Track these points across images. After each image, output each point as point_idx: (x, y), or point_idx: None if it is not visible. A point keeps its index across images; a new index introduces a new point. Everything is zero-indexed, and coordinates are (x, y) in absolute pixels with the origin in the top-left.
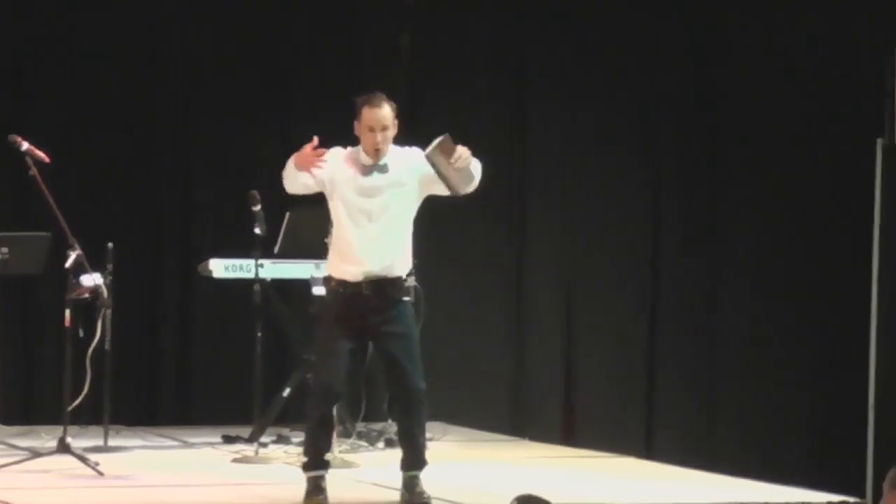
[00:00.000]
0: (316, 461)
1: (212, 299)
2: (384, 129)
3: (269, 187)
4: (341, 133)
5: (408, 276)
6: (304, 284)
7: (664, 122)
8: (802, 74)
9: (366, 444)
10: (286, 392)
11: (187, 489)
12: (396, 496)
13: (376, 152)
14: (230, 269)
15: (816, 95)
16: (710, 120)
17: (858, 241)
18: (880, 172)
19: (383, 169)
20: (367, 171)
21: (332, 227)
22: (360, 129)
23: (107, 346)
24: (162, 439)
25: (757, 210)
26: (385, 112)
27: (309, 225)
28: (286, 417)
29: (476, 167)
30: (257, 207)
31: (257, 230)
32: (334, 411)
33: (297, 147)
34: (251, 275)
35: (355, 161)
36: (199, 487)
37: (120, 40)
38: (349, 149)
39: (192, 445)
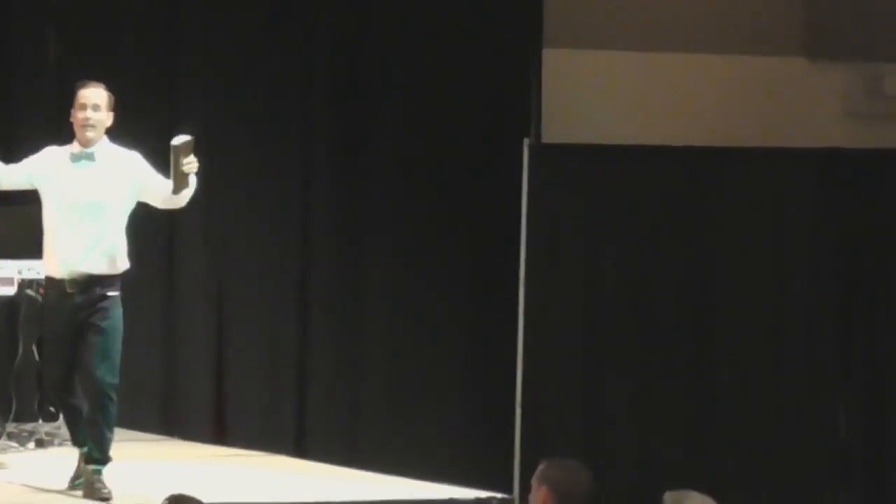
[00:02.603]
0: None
1: None
2: (95, 106)
3: None
4: None
5: (117, 276)
6: None
7: (314, 120)
8: (449, 75)
9: (16, 444)
10: None
11: None
12: (45, 496)
13: (85, 129)
14: None
15: (463, 96)
16: (359, 119)
17: (506, 240)
18: (527, 172)
19: (91, 157)
20: (76, 159)
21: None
22: (74, 113)
23: None
24: None
25: (405, 211)
26: (96, 91)
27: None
28: None
29: (193, 186)
30: None
31: None
32: None
33: None
34: None
35: (66, 153)
36: None
37: None
38: (62, 147)
39: None
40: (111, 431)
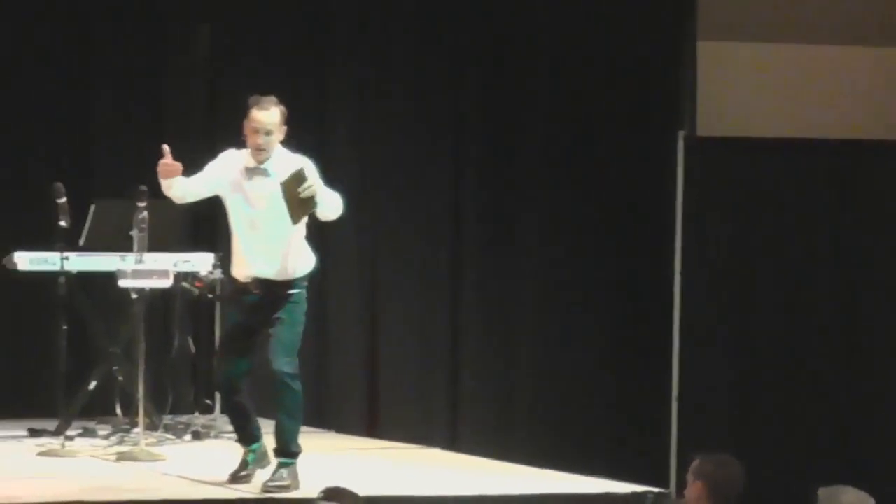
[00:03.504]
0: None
1: (16, 292)
2: (268, 132)
3: (73, 178)
4: (145, 123)
5: (299, 278)
6: (110, 277)
7: (464, 119)
8: (603, 68)
9: (173, 436)
10: (92, 385)
11: None
12: (203, 489)
13: (258, 153)
14: (35, 261)
15: (617, 89)
16: (511, 116)
17: (661, 234)
18: (682, 164)
19: (265, 173)
20: (250, 174)
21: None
22: (247, 128)
23: None
24: None
25: (557, 204)
26: (271, 115)
27: (115, 217)
28: (92, 411)
29: (330, 200)
30: (62, 199)
31: (62, 222)
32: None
33: (97, 138)
34: (56, 267)
35: (242, 164)
36: (3, 481)
37: None
38: (240, 151)
39: None
40: (293, 421)
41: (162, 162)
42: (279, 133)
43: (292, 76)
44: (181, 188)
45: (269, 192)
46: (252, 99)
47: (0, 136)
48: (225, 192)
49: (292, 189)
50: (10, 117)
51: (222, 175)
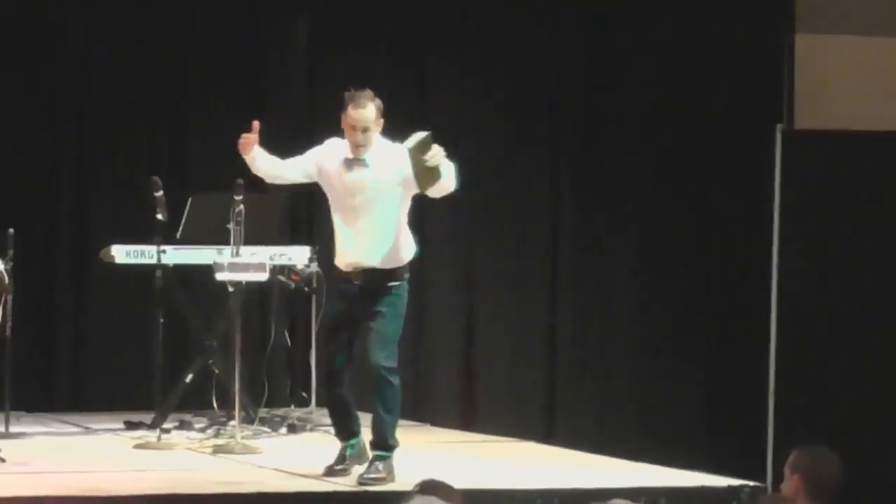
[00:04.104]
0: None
1: (113, 285)
2: (365, 129)
3: (170, 172)
4: (242, 117)
5: (401, 267)
6: (207, 270)
7: (562, 116)
8: (701, 63)
9: (268, 429)
10: (188, 378)
11: (89, 475)
12: (299, 482)
13: (357, 149)
14: (132, 254)
15: (714, 83)
16: (608, 111)
17: (758, 228)
18: (780, 158)
19: (364, 163)
20: (350, 165)
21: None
22: (344, 124)
23: (7, 332)
24: (64, 425)
25: (656, 199)
26: (367, 113)
27: (211, 210)
28: (188, 403)
29: (449, 171)
30: (159, 193)
31: (159, 216)
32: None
33: (194, 132)
34: (153, 260)
35: (341, 154)
36: (100, 473)
37: (15, 22)
38: (343, 140)
39: (93, 431)
40: (390, 415)
41: (242, 136)
42: (376, 127)
43: (391, 67)
44: (266, 164)
45: (368, 181)
46: (348, 95)
47: (98, 131)
48: (323, 182)
49: (418, 156)
50: (107, 112)
51: (319, 164)
